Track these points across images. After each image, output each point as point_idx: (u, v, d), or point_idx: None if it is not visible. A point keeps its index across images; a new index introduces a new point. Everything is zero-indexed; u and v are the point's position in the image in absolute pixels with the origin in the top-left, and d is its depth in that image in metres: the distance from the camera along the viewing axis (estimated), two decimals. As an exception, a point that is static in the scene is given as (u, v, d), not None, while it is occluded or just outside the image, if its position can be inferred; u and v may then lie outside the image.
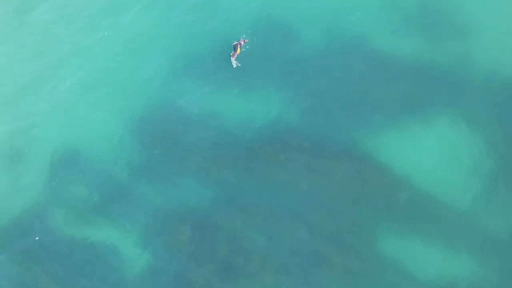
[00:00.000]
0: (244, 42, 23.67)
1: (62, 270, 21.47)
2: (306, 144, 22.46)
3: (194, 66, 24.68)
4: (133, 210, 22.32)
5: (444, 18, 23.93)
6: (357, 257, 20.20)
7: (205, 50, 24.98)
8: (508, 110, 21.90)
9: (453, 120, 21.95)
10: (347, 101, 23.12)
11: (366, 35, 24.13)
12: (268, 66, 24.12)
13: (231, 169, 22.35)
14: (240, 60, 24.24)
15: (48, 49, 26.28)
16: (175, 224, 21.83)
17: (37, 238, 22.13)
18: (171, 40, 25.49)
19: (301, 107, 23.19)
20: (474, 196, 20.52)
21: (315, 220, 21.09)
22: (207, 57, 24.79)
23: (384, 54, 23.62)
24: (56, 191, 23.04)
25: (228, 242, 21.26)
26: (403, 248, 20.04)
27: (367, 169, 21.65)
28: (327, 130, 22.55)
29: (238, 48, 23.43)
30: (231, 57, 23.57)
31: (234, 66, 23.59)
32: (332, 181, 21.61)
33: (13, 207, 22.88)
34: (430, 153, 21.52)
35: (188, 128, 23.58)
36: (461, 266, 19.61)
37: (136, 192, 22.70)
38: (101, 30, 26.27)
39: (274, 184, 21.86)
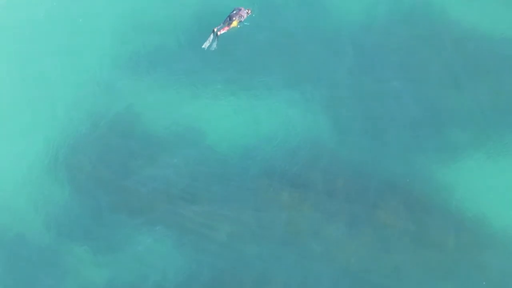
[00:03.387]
0: (248, 14, 17.41)
1: None
2: (342, 183, 15.55)
3: (156, 49, 17.90)
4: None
5: None
6: None
7: (171, 24, 18.19)
8: None
9: None
10: (411, 110, 16.42)
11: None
12: (278, 50, 17.58)
13: (220, 223, 15.29)
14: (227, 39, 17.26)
15: None
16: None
17: None
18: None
19: (333, 120, 16.58)
20: None
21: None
22: (176, 33, 18.07)
23: (478, 31, 17.25)
24: None
25: None
26: None
27: (447, 226, 14.79)
28: (377, 159, 15.80)
29: (235, 21, 17.12)
30: (213, 33, 17.06)
31: (205, 46, 17.21)
32: (388, 249, 14.68)
33: None
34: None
35: (148, 151, 16.60)
36: None
37: (64, 263, 15.49)
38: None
39: (292, 252, 14.91)
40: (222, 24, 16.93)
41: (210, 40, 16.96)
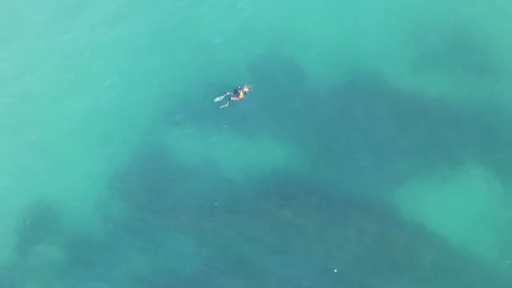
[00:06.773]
0: (249, 89, 21.68)
1: None
2: (316, 199, 19.93)
3: (184, 107, 22.61)
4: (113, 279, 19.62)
5: (474, 55, 21.77)
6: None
7: (197, 90, 22.97)
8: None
9: (487, 172, 19.44)
10: (363, 148, 20.65)
11: (384, 73, 21.87)
12: (271, 108, 22.06)
13: (230, 228, 19.81)
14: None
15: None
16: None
17: None
18: (158, 81, 23.82)
19: (309, 155, 20.83)
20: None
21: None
22: (199, 98, 22.81)
23: (406, 94, 21.35)
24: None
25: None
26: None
27: (388, 228, 19.03)
28: (340, 182, 20.04)
29: (241, 94, 21.51)
30: (225, 95, 21.59)
31: (217, 100, 21.74)
32: (347, 243, 19.03)
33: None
34: (461, 209, 19.01)
35: (176, 179, 21.17)
36: None
37: (116, 256, 20.01)
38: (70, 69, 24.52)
39: (282, 245, 19.31)
40: (233, 94, 21.43)
41: (221, 98, 21.31)
